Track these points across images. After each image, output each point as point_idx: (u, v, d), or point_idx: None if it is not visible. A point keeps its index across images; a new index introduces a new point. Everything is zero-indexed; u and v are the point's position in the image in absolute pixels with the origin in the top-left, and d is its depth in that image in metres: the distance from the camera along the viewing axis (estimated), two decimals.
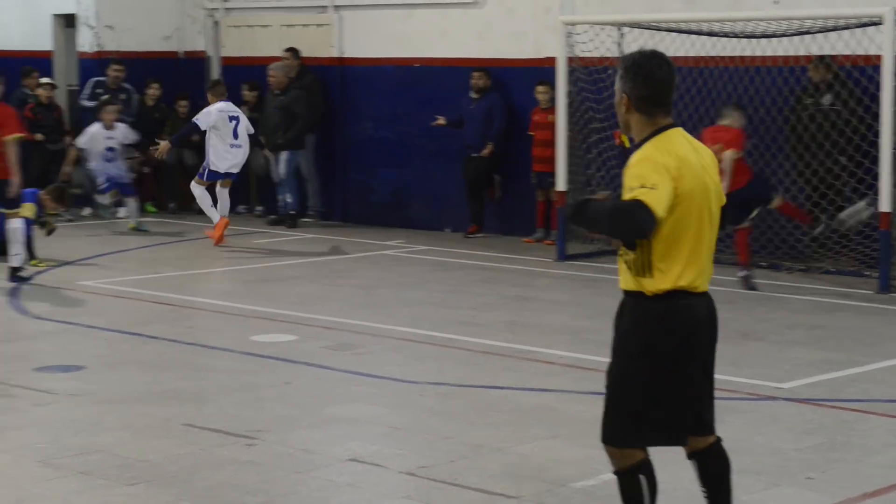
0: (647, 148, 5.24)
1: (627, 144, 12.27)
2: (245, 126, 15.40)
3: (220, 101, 15.37)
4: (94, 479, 6.81)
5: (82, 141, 16.48)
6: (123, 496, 6.58)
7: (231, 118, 15.20)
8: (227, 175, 15.37)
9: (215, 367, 9.38)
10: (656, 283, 5.25)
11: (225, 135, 15.14)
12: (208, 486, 6.75)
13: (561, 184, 14.35)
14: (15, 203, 12.70)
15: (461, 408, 8.36)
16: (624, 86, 5.30)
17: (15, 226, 12.37)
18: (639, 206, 5.00)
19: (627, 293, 5.38)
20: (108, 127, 16.37)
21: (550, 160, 14.72)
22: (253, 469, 7.02)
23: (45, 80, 17.64)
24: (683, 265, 5.23)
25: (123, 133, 16.57)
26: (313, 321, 10.90)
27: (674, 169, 5.15)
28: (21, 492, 6.65)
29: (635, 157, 5.21)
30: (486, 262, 13.94)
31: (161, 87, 18.09)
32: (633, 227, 5.06)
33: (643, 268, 5.25)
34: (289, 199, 16.81)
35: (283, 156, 16.70)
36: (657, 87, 5.29)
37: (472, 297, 11.83)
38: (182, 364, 9.47)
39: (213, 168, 15.24)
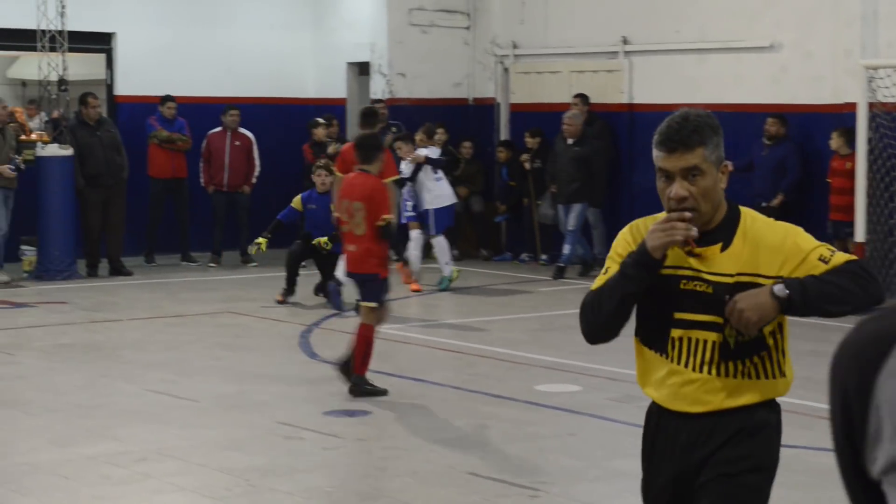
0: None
1: None
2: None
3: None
4: None
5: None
6: None
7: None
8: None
9: (499, 416, 9.47)
10: (789, 381, 4.51)
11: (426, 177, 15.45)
12: None
13: (860, 234, 13.95)
14: None
15: None
16: None
17: None
18: (864, 266, 4.38)
19: (741, 410, 4.40)
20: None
21: (848, 209, 14.33)
22: None
23: (320, 119, 18.05)
24: None
25: None
26: (598, 371, 10.89)
27: None
28: None
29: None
30: None
31: (447, 132, 18.41)
32: (876, 292, 4.32)
33: (776, 363, 4.46)
34: (566, 250, 16.57)
35: (576, 208, 16.59)
36: None
37: None
38: (466, 411, 9.59)
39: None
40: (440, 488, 7.61)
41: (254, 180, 17.77)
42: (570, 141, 16.53)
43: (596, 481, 7.81)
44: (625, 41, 17.65)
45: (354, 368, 9.68)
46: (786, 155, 15.44)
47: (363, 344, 9.68)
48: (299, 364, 11.27)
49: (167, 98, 17.44)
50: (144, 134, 17.37)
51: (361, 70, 19.54)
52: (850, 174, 14.31)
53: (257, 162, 17.79)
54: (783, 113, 15.70)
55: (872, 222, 14.15)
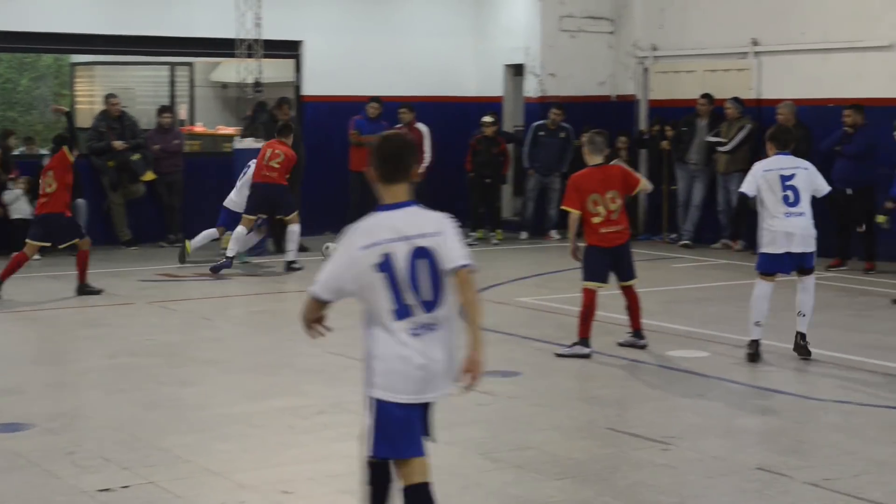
0: None
1: None
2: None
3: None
4: (527, 473, 6.98)
5: None
6: (552, 489, 6.72)
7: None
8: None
9: (635, 378, 9.42)
10: None
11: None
12: (627, 485, 6.78)
13: None
14: None
15: (864, 426, 8.01)
16: None
17: None
18: None
19: None
20: None
21: None
22: (667, 472, 7.00)
23: (487, 118, 18.11)
24: None
25: None
26: (723, 339, 10.74)
27: None
28: (466, 479, 6.91)
29: None
30: (890, 290, 13.27)
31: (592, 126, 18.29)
32: None
33: None
34: None
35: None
36: None
37: (878, 322, 11.31)
38: (606, 374, 9.56)
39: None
40: (581, 441, 7.60)
41: (421, 170, 17.87)
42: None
43: (722, 437, 7.72)
44: (754, 42, 17.31)
45: None
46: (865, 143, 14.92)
47: None
48: (459, 331, 11.29)
49: (374, 99, 17.61)
50: (327, 130, 17.62)
51: (517, 71, 19.53)
52: None
53: (427, 154, 17.89)
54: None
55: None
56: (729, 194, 16.90)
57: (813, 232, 9.79)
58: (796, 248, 9.73)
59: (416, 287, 5.24)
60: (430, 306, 5.29)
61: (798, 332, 9.94)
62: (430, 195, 17.55)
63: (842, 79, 16.24)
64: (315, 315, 5.47)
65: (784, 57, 16.97)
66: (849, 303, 12.66)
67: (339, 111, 17.98)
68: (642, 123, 18.93)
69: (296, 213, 15.00)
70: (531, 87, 19.09)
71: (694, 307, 12.44)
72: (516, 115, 19.66)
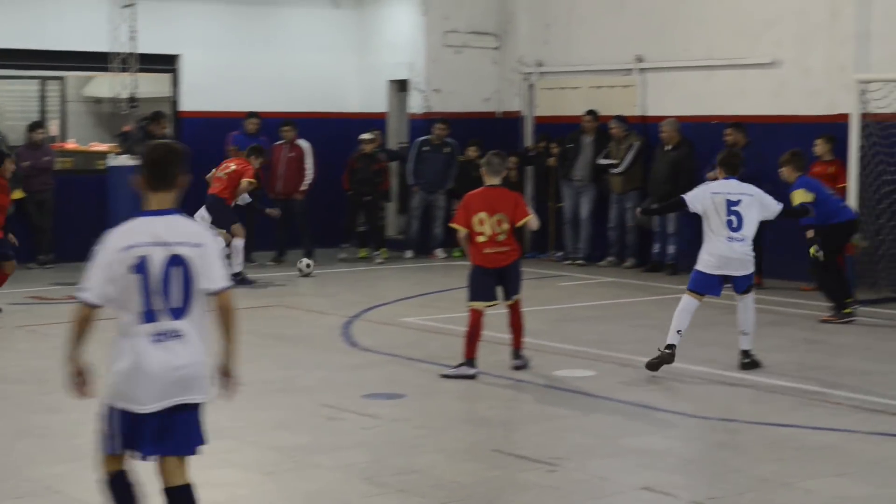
0: None
1: None
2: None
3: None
4: (412, 497, 6.95)
5: None
6: None
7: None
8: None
9: (521, 399, 9.45)
10: None
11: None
12: None
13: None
14: None
15: (750, 444, 8.14)
16: None
17: None
18: None
19: None
20: None
21: None
22: (553, 493, 7.02)
23: (366, 135, 18.15)
24: None
25: None
26: (612, 359, 10.84)
27: None
28: None
29: None
30: (774, 307, 13.54)
31: (479, 148, 18.43)
32: None
33: None
34: (671, 249, 16.59)
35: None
36: None
37: (762, 339, 11.51)
38: (492, 395, 9.57)
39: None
40: (466, 463, 7.60)
41: (304, 188, 17.78)
42: (668, 147, 16.54)
43: (607, 457, 7.77)
44: (639, 59, 17.58)
45: None
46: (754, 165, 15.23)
47: None
48: (341, 352, 11.27)
49: (252, 114, 17.48)
50: (205, 146, 17.41)
51: (401, 87, 19.56)
52: (831, 178, 14.15)
53: (309, 171, 17.81)
54: (780, 124, 15.56)
55: (863, 222, 14.02)
56: (624, 212, 17.12)
57: (751, 256, 10.24)
58: (731, 272, 10.19)
59: (167, 293, 5.50)
60: (177, 314, 5.54)
61: (741, 350, 10.37)
62: (312, 212, 17.65)
63: (725, 96, 16.56)
64: (79, 348, 5.75)
65: (668, 74, 17.26)
66: (733, 320, 12.84)
67: (218, 127, 17.79)
68: (528, 140, 19.08)
69: (236, 226, 15.31)
70: (416, 104, 19.13)
71: (581, 326, 12.55)
72: (401, 131, 19.68)
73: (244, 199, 15.78)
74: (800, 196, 12.15)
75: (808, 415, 8.86)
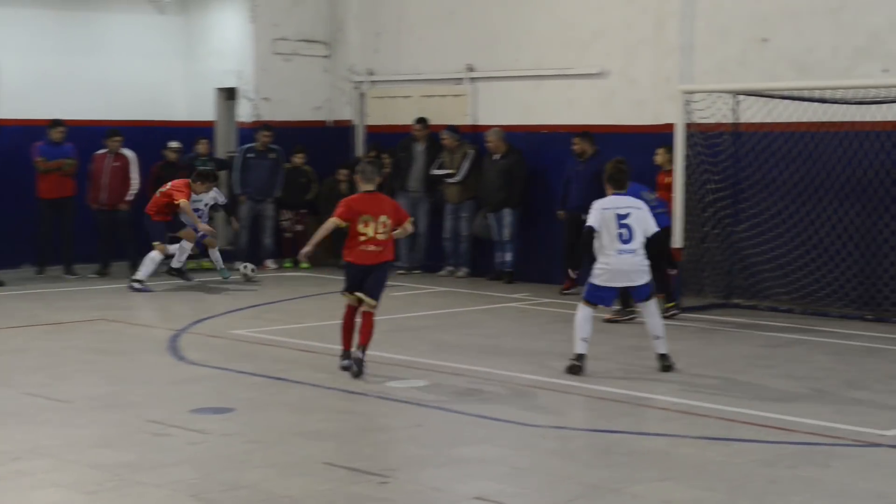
0: None
1: None
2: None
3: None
4: None
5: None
6: None
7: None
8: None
9: (353, 410, 9.46)
10: None
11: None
12: None
13: (678, 241, 14.23)
14: None
15: (579, 450, 8.30)
16: None
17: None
18: None
19: None
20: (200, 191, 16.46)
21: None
22: None
23: (173, 143, 18.07)
24: None
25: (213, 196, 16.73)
26: (444, 368, 10.93)
27: None
28: None
29: None
30: (601, 314, 13.81)
31: (306, 155, 18.47)
32: None
33: None
34: (508, 257, 16.83)
35: (508, 217, 16.72)
36: None
37: (592, 346, 11.74)
38: (324, 407, 9.55)
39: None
40: (297, 478, 7.56)
41: (129, 198, 17.49)
42: (495, 157, 16.74)
43: (440, 467, 7.83)
44: (469, 69, 17.79)
45: None
46: (599, 170, 15.56)
47: None
48: (168, 366, 11.11)
49: (56, 122, 17.09)
50: (25, 155, 17.00)
51: (229, 95, 19.40)
52: (670, 188, 14.56)
53: (135, 181, 17.53)
54: (608, 133, 15.91)
55: (688, 230, 14.44)
56: (459, 222, 17.29)
57: (644, 266, 10.74)
58: (624, 284, 10.77)
59: None
60: None
61: (658, 354, 10.81)
62: (138, 222, 17.33)
63: (554, 105, 16.87)
64: None
65: (498, 83, 17.50)
66: (563, 328, 13.07)
67: (39, 135, 17.35)
68: (360, 149, 19.11)
69: (157, 244, 16.24)
70: (245, 112, 19.00)
71: (414, 335, 12.62)
72: (229, 140, 19.51)
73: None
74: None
75: (635, 420, 9.08)
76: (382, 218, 10.52)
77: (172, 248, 16.36)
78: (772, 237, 14.53)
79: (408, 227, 10.77)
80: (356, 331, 10.69)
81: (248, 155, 18.17)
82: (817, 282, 14.20)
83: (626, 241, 10.63)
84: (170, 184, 16.37)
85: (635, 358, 11.53)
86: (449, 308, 14.48)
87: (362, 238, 10.48)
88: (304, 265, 17.15)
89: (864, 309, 13.76)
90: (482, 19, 17.67)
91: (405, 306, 14.63)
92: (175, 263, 16.42)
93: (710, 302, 14.62)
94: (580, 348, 10.68)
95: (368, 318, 10.67)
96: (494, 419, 9.13)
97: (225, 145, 19.50)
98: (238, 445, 8.34)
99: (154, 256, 16.11)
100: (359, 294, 10.64)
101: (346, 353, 10.64)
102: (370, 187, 10.64)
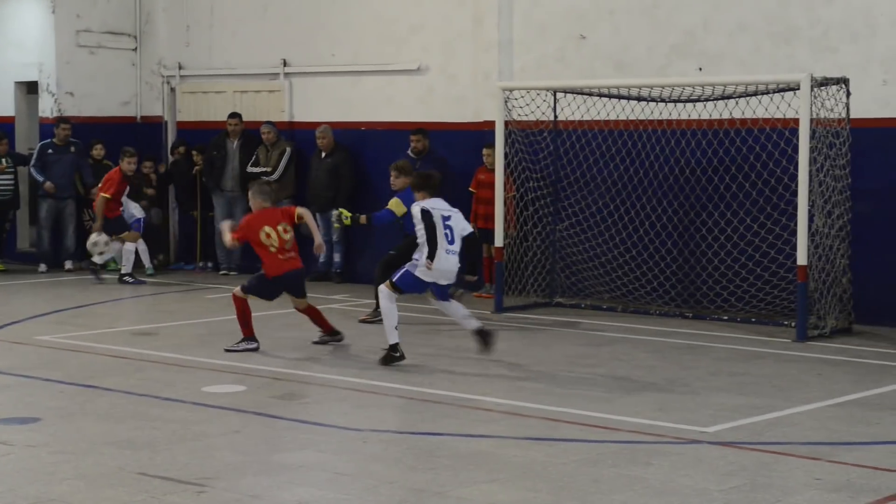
0: None
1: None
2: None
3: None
4: None
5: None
6: None
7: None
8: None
9: (167, 417, 9.28)
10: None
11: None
12: None
13: (499, 239, 14.39)
14: None
15: (403, 454, 8.31)
16: None
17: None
18: None
19: None
20: None
21: (492, 217, 14.73)
22: None
23: None
24: None
25: None
26: (262, 372, 10.84)
27: None
28: None
29: None
30: (424, 315, 13.90)
31: (104, 147, 18.10)
32: None
33: None
34: (337, 258, 16.80)
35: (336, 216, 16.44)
36: None
37: (414, 347, 11.80)
38: (135, 415, 9.36)
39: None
40: (109, 489, 7.39)
41: None
42: (324, 154, 16.67)
43: (259, 475, 7.75)
44: (285, 63, 17.67)
45: None
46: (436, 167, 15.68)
47: None
48: None
49: None
50: None
51: (30, 89, 18.86)
52: (489, 184, 14.74)
53: None
54: (428, 130, 16.00)
55: (509, 228, 14.62)
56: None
57: (457, 268, 11.26)
58: (443, 281, 11.21)
59: None
60: None
61: (474, 331, 11.32)
62: None
63: (372, 101, 16.88)
64: None
65: (315, 79, 17.43)
66: (377, 329, 13.11)
67: None
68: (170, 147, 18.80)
69: (128, 234, 16.66)
70: (47, 107, 18.50)
71: (229, 339, 12.46)
72: (31, 136, 18.96)
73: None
74: (394, 205, 12.46)
75: (459, 422, 9.13)
76: (281, 225, 11.63)
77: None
78: (592, 235, 14.82)
79: (304, 213, 11.83)
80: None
81: (48, 151, 17.69)
82: (637, 280, 14.53)
83: (450, 242, 11.06)
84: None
85: (457, 359, 11.61)
86: (268, 310, 14.36)
87: (272, 249, 11.65)
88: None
89: (684, 307, 14.14)
90: (297, 13, 17.57)
91: (221, 309, 14.46)
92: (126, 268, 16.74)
93: (532, 301, 14.82)
94: (394, 338, 11.02)
95: (311, 309, 12.13)
96: (314, 423, 9.07)
97: (27, 141, 18.95)
98: (45, 457, 8.11)
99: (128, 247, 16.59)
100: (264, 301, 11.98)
101: (250, 339, 11.83)
102: (267, 204, 11.88)
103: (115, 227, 16.46)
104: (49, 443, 8.46)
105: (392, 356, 11.04)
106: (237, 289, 11.88)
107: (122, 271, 16.70)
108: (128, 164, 16.44)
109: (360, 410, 9.56)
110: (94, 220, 16.71)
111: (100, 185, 16.56)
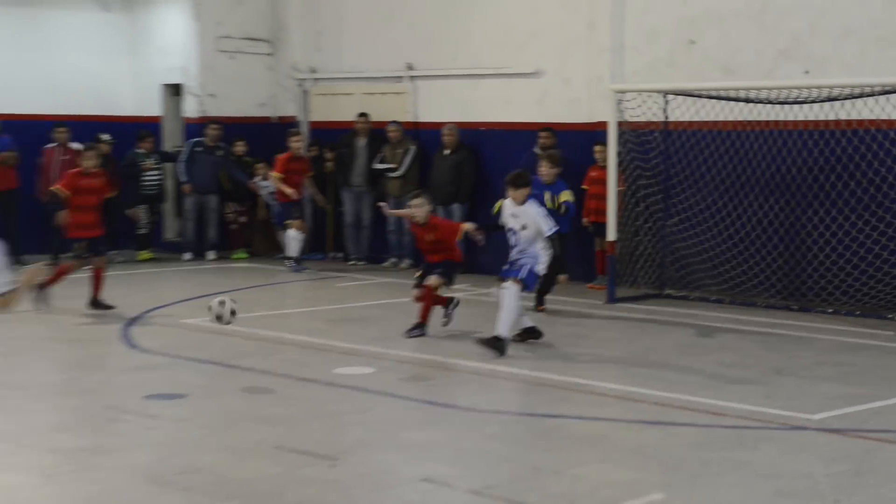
0: None
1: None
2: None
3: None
4: (195, 495, 6.87)
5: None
6: None
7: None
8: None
9: (302, 396, 9.45)
10: None
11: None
12: (296, 502, 6.79)
13: (612, 233, 14.34)
14: None
15: (522, 434, 8.36)
16: None
17: None
18: None
19: None
20: None
21: (604, 212, 14.67)
22: (335, 487, 7.06)
23: (104, 136, 17.75)
24: None
25: None
26: (389, 356, 10.95)
27: None
28: None
29: None
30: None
31: (246, 144, 18.42)
32: None
33: None
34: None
35: (457, 211, 16.60)
36: None
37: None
38: (272, 393, 9.54)
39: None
40: (249, 461, 7.55)
41: None
42: (447, 151, 16.73)
43: (387, 451, 7.85)
44: (409, 67, 17.79)
45: None
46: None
47: None
48: (121, 354, 11.03)
49: None
50: None
51: (175, 91, 19.26)
52: (601, 181, 14.69)
53: None
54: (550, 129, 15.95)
55: (622, 223, 14.56)
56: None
57: None
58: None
59: None
60: None
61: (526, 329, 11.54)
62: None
63: (491, 103, 16.92)
64: None
65: (438, 81, 17.52)
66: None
67: None
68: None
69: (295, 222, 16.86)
70: (190, 108, 18.87)
71: (359, 324, 12.62)
72: (175, 135, 19.36)
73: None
74: (547, 200, 12.53)
75: (575, 405, 9.15)
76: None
77: None
78: (701, 231, 14.69)
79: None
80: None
81: (196, 149, 18.05)
82: (744, 273, 14.37)
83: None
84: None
85: (572, 345, 11.62)
86: (393, 298, 14.49)
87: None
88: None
89: (790, 299, 13.95)
90: (421, 19, 17.68)
91: (351, 296, 14.64)
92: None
93: (643, 293, 14.75)
94: (508, 333, 10.99)
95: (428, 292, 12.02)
96: (439, 404, 9.16)
97: (172, 140, 19.35)
98: (192, 430, 8.32)
99: None
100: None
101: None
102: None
103: (286, 213, 16.87)
104: (194, 417, 8.67)
105: (498, 346, 10.77)
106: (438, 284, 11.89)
107: (287, 255, 16.96)
108: (296, 143, 17.06)
109: (482, 393, 9.62)
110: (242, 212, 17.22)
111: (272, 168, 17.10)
